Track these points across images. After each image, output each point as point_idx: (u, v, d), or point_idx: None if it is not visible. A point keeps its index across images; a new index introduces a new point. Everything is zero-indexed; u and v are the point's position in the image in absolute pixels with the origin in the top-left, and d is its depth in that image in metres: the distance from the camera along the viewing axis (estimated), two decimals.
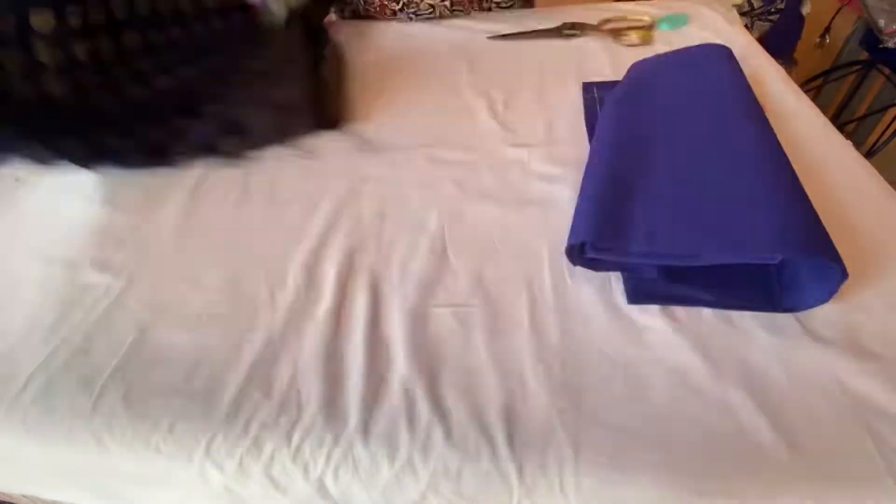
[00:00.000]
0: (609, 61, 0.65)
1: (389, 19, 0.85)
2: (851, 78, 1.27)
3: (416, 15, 0.81)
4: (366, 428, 0.32)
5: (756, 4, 1.09)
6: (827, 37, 1.23)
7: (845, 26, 1.23)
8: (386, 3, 0.82)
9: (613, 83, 0.58)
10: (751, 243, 0.35)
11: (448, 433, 0.32)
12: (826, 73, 1.26)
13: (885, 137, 1.19)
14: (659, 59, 0.60)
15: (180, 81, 0.51)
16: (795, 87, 0.57)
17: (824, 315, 0.35)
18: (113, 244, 0.47)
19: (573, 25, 0.71)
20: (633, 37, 0.69)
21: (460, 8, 0.80)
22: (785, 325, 0.35)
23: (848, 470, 0.28)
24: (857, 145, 0.49)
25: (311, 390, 0.34)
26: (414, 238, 0.44)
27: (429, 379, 0.34)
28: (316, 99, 0.54)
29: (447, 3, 0.81)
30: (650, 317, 0.36)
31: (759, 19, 1.12)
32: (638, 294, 0.37)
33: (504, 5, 0.83)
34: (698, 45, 0.62)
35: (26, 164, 0.49)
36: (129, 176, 0.53)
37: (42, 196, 0.53)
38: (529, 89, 0.61)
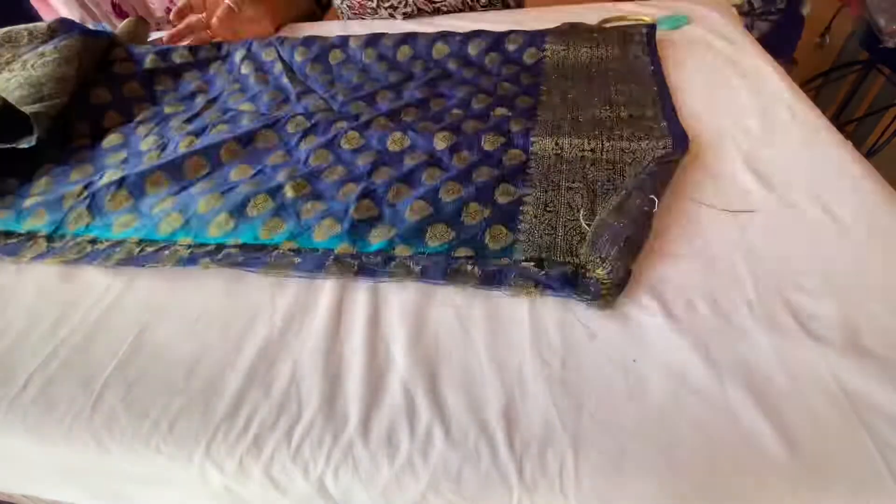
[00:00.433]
0: None
1: (374, 18, 0.85)
2: (851, 78, 1.27)
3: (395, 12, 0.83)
4: (366, 428, 0.32)
5: (756, 4, 1.09)
6: (827, 37, 1.24)
7: (845, 26, 1.24)
8: (364, 2, 0.84)
9: None
10: None
11: (448, 433, 0.32)
12: (826, 73, 1.27)
13: (885, 137, 1.19)
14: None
15: None
16: (795, 86, 0.57)
17: (824, 315, 0.35)
18: None
19: (572, 25, 0.71)
20: None
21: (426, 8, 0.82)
22: (785, 325, 0.35)
23: (848, 470, 0.28)
24: (857, 145, 0.49)
25: (311, 390, 0.34)
26: None
27: (429, 379, 0.34)
28: None
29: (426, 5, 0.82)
30: (650, 317, 0.36)
31: (759, 19, 1.12)
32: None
33: (486, 5, 0.83)
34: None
35: None
36: None
37: None
38: None
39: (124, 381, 0.36)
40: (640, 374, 0.33)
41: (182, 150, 0.55)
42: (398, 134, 0.53)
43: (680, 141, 0.49)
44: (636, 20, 0.72)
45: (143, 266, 0.43)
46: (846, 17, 1.20)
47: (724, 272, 0.38)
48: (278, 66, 0.69)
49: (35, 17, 1.10)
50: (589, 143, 0.50)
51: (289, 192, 0.47)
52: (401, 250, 0.42)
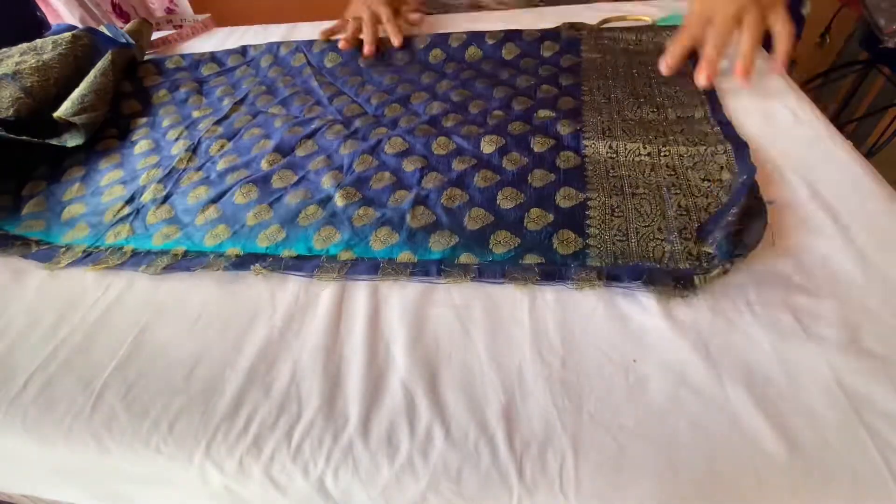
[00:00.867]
0: None
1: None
2: (851, 78, 1.27)
3: None
4: (366, 428, 0.32)
5: None
6: (827, 37, 1.24)
7: (845, 26, 1.24)
8: None
9: None
10: None
11: (448, 433, 0.32)
12: (826, 73, 1.27)
13: (885, 137, 1.19)
14: None
15: None
16: (795, 87, 0.57)
17: (824, 315, 0.35)
18: None
19: (572, 25, 0.71)
20: None
21: None
22: (785, 325, 0.35)
23: (848, 470, 0.28)
24: (857, 145, 0.49)
25: (311, 390, 0.34)
26: None
27: (429, 379, 0.34)
28: None
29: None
30: (650, 317, 0.36)
31: None
32: None
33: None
34: None
35: None
36: None
37: None
38: None
39: (124, 381, 0.36)
40: (640, 374, 0.33)
41: (214, 154, 0.55)
42: (443, 139, 0.52)
43: (740, 147, 0.47)
44: (636, 20, 0.72)
45: (192, 270, 0.43)
46: (846, 17, 1.20)
47: None
48: (307, 70, 0.69)
49: (41, 16, 1.10)
50: (645, 148, 0.49)
51: (339, 201, 0.46)
52: (466, 258, 0.41)
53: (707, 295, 0.37)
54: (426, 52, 0.69)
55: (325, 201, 0.47)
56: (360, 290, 0.40)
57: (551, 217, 0.43)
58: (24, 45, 0.68)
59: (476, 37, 0.69)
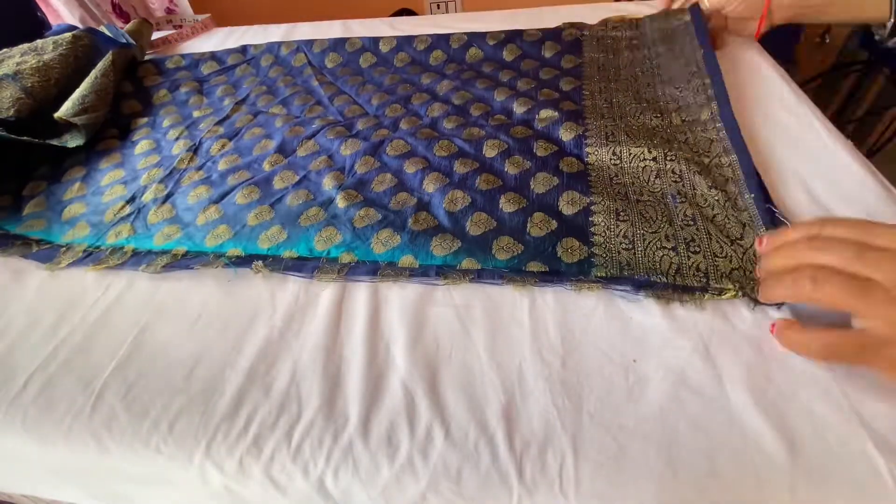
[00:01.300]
0: None
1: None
2: (851, 78, 1.27)
3: None
4: (366, 428, 0.32)
5: None
6: (827, 37, 1.24)
7: (845, 26, 1.23)
8: None
9: None
10: None
11: (448, 433, 0.32)
12: (826, 73, 1.27)
13: (885, 137, 1.19)
14: None
15: None
16: (795, 86, 0.57)
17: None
18: None
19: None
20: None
21: None
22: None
23: (848, 470, 0.28)
24: (858, 145, 0.49)
25: (311, 390, 0.34)
26: None
27: (429, 379, 0.34)
28: None
29: None
30: (650, 317, 0.36)
31: None
32: None
33: None
34: None
35: None
36: None
37: None
38: None
39: (124, 381, 0.36)
40: (640, 374, 0.33)
41: (215, 154, 0.55)
42: (445, 141, 0.52)
43: (745, 160, 0.46)
44: (634, 20, 0.72)
45: (192, 269, 0.43)
46: None
47: None
48: (307, 70, 0.69)
49: (42, 16, 1.10)
50: (650, 152, 0.48)
51: (340, 202, 0.46)
52: (468, 264, 0.40)
53: None
54: (427, 53, 0.69)
55: (327, 203, 0.47)
56: (361, 290, 0.40)
57: (555, 224, 0.42)
58: (25, 46, 0.68)
59: (476, 38, 0.69)
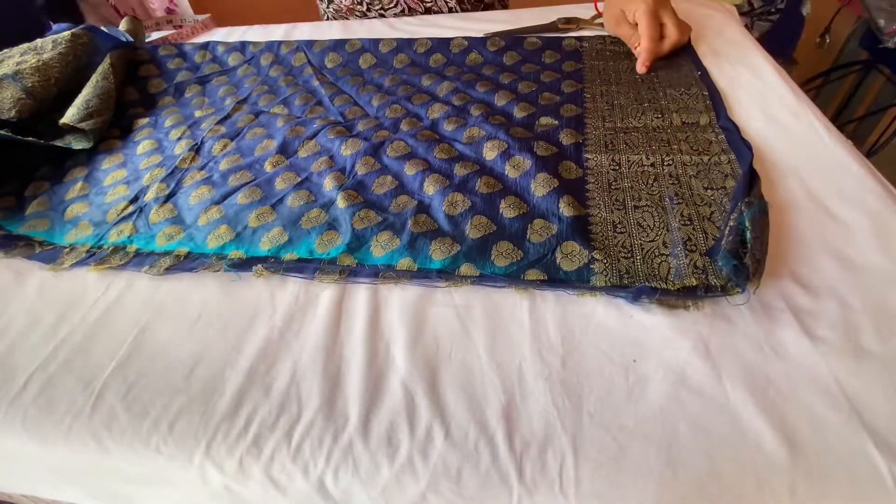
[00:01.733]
0: None
1: (364, 18, 0.85)
2: (851, 78, 1.27)
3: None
4: (366, 428, 0.32)
5: (756, 4, 1.09)
6: (827, 37, 1.24)
7: (845, 26, 1.24)
8: (352, 6, 0.84)
9: None
10: None
11: (448, 433, 0.32)
12: (826, 73, 1.27)
13: (885, 137, 1.19)
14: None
15: None
16: (795, 86, 0.57)
17: (824, 315, 0.35)
18: None
19: (568, 20, 0.72)
20: None
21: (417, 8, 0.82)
22: (785, 326, 0.35)
23: (848, 470, 0.28)
24: (858, 145, 0.49)
25: (311, 390, 0.34)
26: None
27: (429, 379, 0.34)
28: None
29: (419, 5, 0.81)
30: (650, 316, 0.36)
31: (759, 19, 1.12)
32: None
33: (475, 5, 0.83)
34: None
35: None
36: None
37: None
38: None
39: (124, 381, 0.36)
40: (640, 374, 0.33)
41: (216, 154, 0.55)
42: (445, 144, 0.52)
43: (744, 157, 0.46)
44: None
45: (194, 271, 0.43)
46: (846, 17, 1.20)
47: None
48: (308, 70, 0.69)
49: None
50: (648, 158, 0.48)
51: (341, 203, 0.46)
52: (466, 269, 0.40)
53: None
54: (426, 56, 0.69)
55: (328, 205, 0.47)
56: (361, 291, 0.40)
57: (555, 228, 0.42)
58: (25, 45, 0.68)
59: (477, 44, 0.70)
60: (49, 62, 0.64)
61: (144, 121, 0.64)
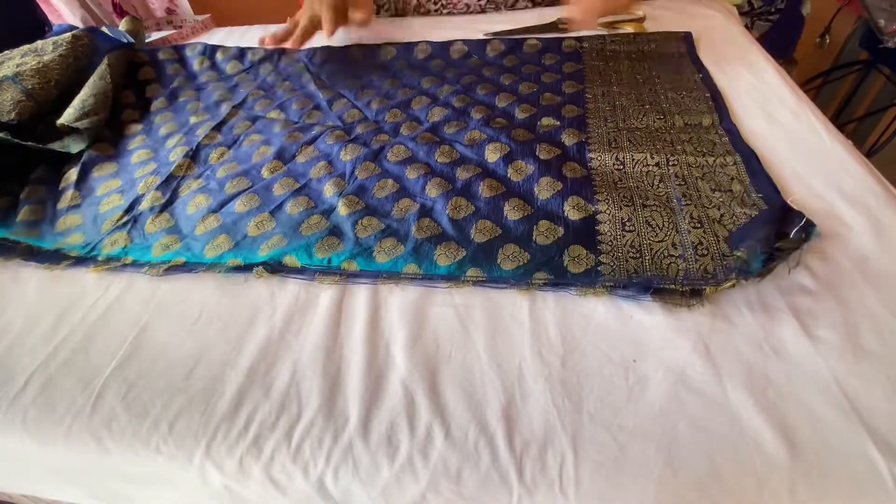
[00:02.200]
0: None
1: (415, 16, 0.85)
2: (851, 78, 1.27)
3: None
4: (366, 428, 0.32)
5: (756, 4, 1.09)
6: (827, 37, 1.24)
7: (845, 26, 1.24)
8: (422, 1, 0.83)
9: None
10: None
11: (448, 433, 0.32)
12: (826, 73, 1.27)
13: (885, 137, 1.19)
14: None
15: None
16: (795, 86, 0.57)
17: (824, 315, 0.35)
18: None
19: (567, 21, 0.72)
20: (629, 28, 0.70)
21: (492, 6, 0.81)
22: (785, 326, 0.35)
23: (848, 470, 0.28)
24: (858, 145, 0.49)
25: (311, 390, 0.34)
26: None
27: (429, 379, 0.34)
28: None
29: (482, 2, 0.81)
30: (650, 316, 0.36)
31: (759, 19, 1.12)
32: None
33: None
34: None
35: None
36: None
37: None
38: None
39: (124, 381, 0.36)
40: (640, 374, 0.33)
41: (214, 162, 0.55)
42: (446, 146, 0.52)
43: (749, 160, 0.47)
44: (628, 13, 0.73)
45: (194, 272, 0.43)
46: (846, 17, 1.20)
47: None
48: (305, 75, 0.69)
49: (42, 17, 1.10)
50: (652, 158, 0.48)
51: (342, 210, 0.46)
52: (473, 273, 0.40)
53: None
54: (427, 60, 0.69)
55: (329, 212, 0.46)
56: (361, 291, 0.41)
57: (561, 231, 0.42)
58: (25, 47, 0.68)
59: (476, 49, 0.70)
60: (49, 64, 0.64)
61: (139, 127, 0.63)
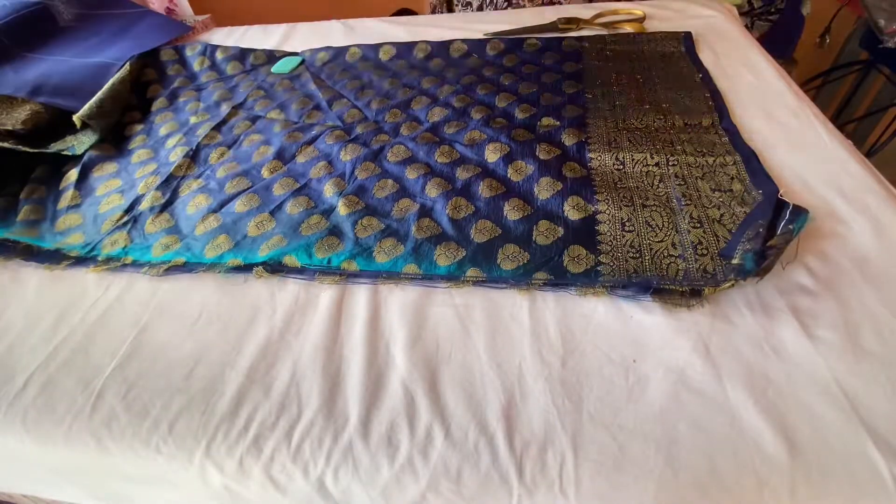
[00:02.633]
0: None
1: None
2: (851, 78, 1.27)
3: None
4: (366, 428, 0.32)
5: (756, 4, 1.09)
6: (827, 37, 1.24)
7: (845, 26, 1.24)
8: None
9: None
10: None
11: (448, 433, 0.32)
12: (826, 73, 1.27)
13: (885, 137, 1.19)
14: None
15: None
16: (795, 86, 0.57)
17: (824, 315, 0.35)
18: None
19: (568, 20, 0.72)
20: (629, 28, 0.70)
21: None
22: (785, 326, 0.35)
23: (848, 470, 0.28)
24: (858, 145, 0.49)
25: (311, 390, 0.34)
26: None
27: (429, 379, 0.34)
28: None
29: None
30: (650, 316, 0.36)
31: (759, 19, 1.12)
32: None
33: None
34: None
35: None
36: None
37: None
38: None
39: (124, 381, 0.36)
40: (640, 374, 0.33)
41: (214, 162, 0.54)
42: (446, 147, 0.52)
43: (749, 160, 0.47)
44: (628, 13, 0.73)
45: (194, 273, 0.43)
46: (846, 17, 1.20)
47: None
48: (304, 74, 0.69)
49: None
50: (652, 158, 0.48)
51: (342, 210, 0.46)
52: (473, 273, 0.40)
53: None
54: (426, 60, 0.69)
55: (329, 212, 0.46)
56: (361, 291, 0.40)
57: (561, 231, 0.42)
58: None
59: (476, 48, 0.69)
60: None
61: (139, 127, 0.63)
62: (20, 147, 0.55)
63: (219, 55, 0.75)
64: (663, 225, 0.42)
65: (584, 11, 0.75)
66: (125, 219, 0.49)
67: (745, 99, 0.56)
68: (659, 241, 0.40)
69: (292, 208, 0.47)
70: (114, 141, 0.61)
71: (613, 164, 0.48)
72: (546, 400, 0.32)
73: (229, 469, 0.32)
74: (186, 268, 0.43)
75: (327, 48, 0.73)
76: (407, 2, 1.54)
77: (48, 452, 0.35)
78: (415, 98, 0.61)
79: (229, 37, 0.85)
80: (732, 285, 0.36)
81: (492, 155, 0.50)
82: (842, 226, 0.41)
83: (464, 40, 0.71)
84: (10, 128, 0.57)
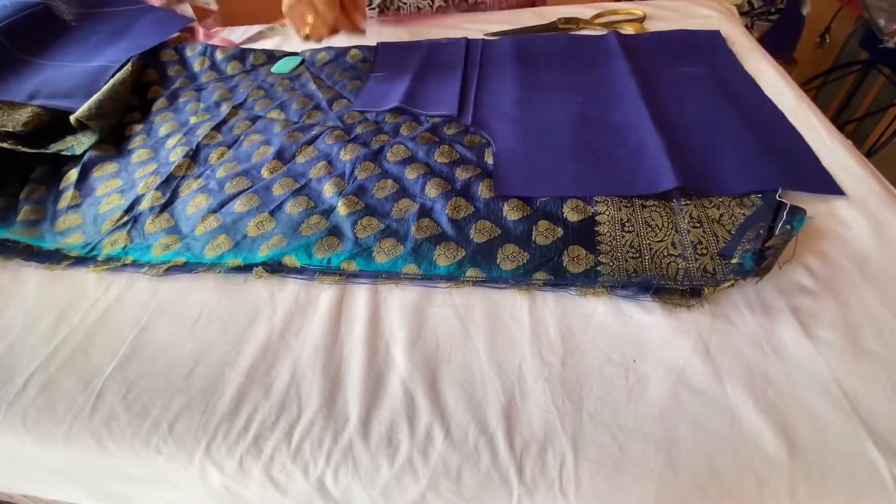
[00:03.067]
0: None
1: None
2: (851, 78, 1.27)
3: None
4: (366, 428, 0.32)
5: (756, 4, 1.09)
6: (827, 37, 1.24)
7: (845, 26, 1.24)
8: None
9: None
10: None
11: (448, 433, 0.32)
12: (826, 73, 1.27)
13: (885, 137, 1.19)
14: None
15: None
16: (795, 86, 0.57)
17: (824, 315, 0.35)
18: None
19: (568, 20, 0.72)
20: (629, 28, 0.70)
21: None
22: (785, 326, 0.35)
23: (848, 470, 0.28)
24: (858, 145, 0.49)
25: (311, 390, 0.34)
26: None
27: (429, 379, 0.34)
28: None
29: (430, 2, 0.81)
30: (650, 316, 0.36)
31: (759, 19, 1.12)
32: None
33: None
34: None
35: None
36: None
37: None
38: None
39: (124, 381, 0.36)
40: (640, 374, 0.33)
41: (214, 162, 0.54)
42: (445, 147, 0.52)
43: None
44: (627, 13, 0.73)
45: (194, 273, 0.43)
46: (846, 17, 1.20)
47: None
48: (305, 74, 0.69)
49: None
50: None
51: (342, 210, 0.46)
52: (472, 273, 0.40)
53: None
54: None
55: (328, 212, 0.46)
56: (361, 290, 0.41)
57: (560, 231, 0.42)
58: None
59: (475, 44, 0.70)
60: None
61: (139, 127, 0.63)
62: (20, 147, 0.55)
63: (219, 55, 0.75)
64: (663, 225, 0.42)
65: (584, 11, 0.75)
66: (125, 219, 0.49)
67: None
68: (659, 241, 0.40)
69: (292, 208, 0.47)
70: (114, 141, 0.61)
71: None
72: (546, 400, 0.32)
73: (229, 469, 0.32)
74: (186, 268, 0.44)
75: (327, 48, 0.73)
76: None
77: (48, 452, 0.35)
78: None
79: (229, 37, 0.85)
80: (732, 285, 0.36)
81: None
82: (842, 226, 0.41)
83: (464, 41, 0.71)
84: (10, 129, 0.57)
